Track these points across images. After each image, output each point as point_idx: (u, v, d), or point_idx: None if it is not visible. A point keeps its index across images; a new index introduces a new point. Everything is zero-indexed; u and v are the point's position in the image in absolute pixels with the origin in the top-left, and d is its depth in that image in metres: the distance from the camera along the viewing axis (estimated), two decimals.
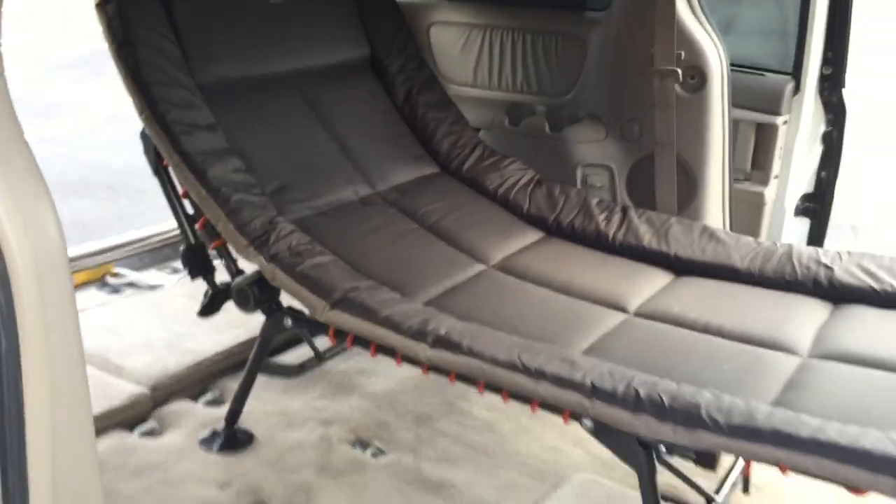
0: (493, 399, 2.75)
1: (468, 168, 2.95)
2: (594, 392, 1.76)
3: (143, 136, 2.31)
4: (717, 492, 2.05)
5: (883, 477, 1.48)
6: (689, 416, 1.66)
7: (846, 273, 2.37)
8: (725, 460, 2.21)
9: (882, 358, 2.00)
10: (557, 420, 2.64)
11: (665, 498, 2.33)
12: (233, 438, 2.47)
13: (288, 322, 2.26)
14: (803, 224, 3.23)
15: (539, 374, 1.82)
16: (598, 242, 2.70)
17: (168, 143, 2.20)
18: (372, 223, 2.52)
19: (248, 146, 2.43)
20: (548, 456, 2.51)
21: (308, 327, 2.24)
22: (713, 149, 2.88)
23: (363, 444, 2.54)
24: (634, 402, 1.71)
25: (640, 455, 1.77)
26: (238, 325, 2.92)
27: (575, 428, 2.54)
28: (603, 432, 1.80)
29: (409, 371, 2.89)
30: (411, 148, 2.95)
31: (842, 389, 1.89)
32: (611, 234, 2.69)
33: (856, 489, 1.55)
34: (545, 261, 2.59)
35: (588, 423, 1.81)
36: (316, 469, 2.39)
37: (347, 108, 2.83)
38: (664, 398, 1.70)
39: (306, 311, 2.20)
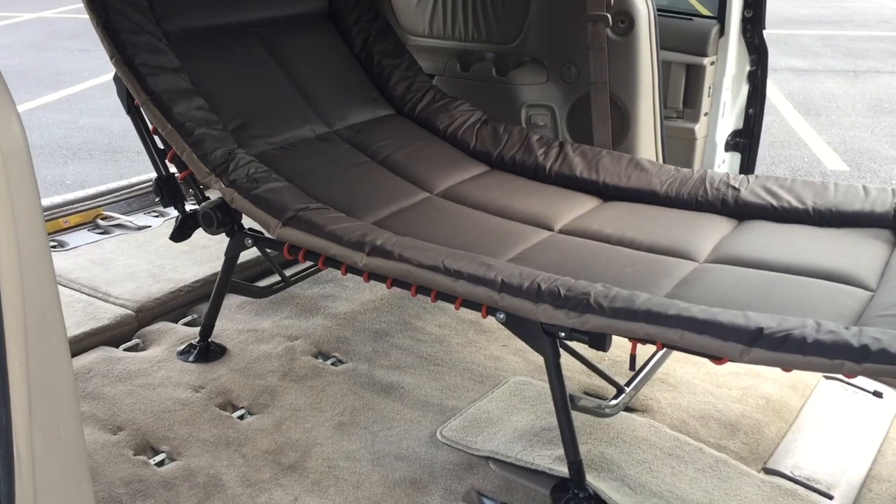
0: (445, 318, 3.09)
1: (420, 110, 3.22)
2: (503, 287, 2.05)
3: (116, 79, 2.59)
4: (628, 384, 2.34)
5: (732, 344, 1.77)
6: (579, 303, 1.95)
7: (750, 193, 2.65)
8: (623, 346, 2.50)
9: (762, 259, 2.29)
10: (501, 334, 2.97)
11: (587, 392, 2.65)
12: (206, 350, 2.77)
13: (248, 241, 2.55)
14: (735, 158, 3.50)
15: (458, 274, 2.10)
16: (536, 173, 2.98)
17: (137, 84, 2.47)
18: (326, 156, 2.80)
19: (211, 88, 2.70)
20: (490, 364, 2.81)
21: (266, 246, 2.53)
22: (643, 88, 3.14)
23: (324, 355, 2.84)
24: (535, 294, 2.00)
25: (544, 340, 2.07)
26: (215, 259, 3.23)
27: (516, 341, 2.86)
28: (513, 323, 2.10)
29: (370, 294, 3.21)
30: (367, 91, 3.22)
31: (722, 284, 2.18)
32: (548, 165, 2.97)
33: (716, 358, 1.84)
34: (486, 189, 2.87)
35: (501, 315, 2.10)
36: (280, 375, 2.69)
37: (306, 55, 3.10)
38: (560, 289, 1.99)
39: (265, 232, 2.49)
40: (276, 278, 3.01)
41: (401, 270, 2.19)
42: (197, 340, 2.79)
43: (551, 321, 1.99)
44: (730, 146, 3.45)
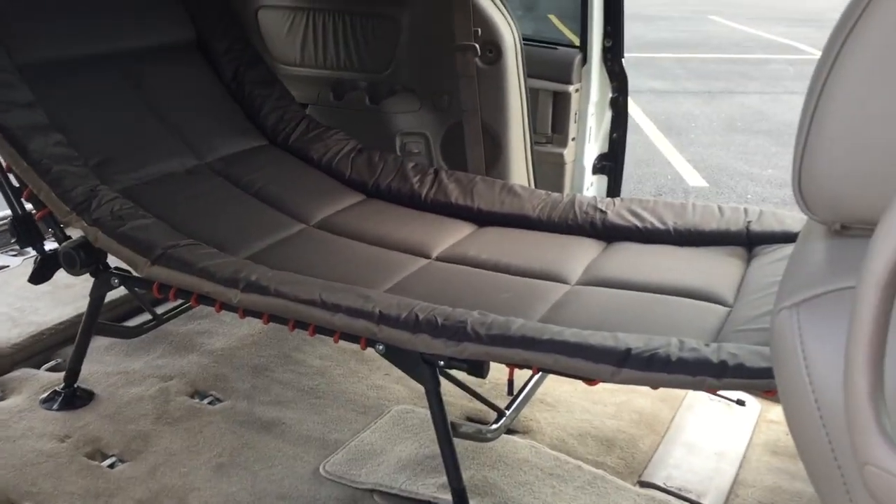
0: (326, 349, 3.05)
1: (294, 139, 3.19)
2: (381, 318, 2.05)
3: None
4: (508, 408, 2.38)
5: (603, 366, 1.83)
6: (456, 332, 1.97)
7: (616, 215, 2.76)
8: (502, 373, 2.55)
9: (630, 280, 2.39)
10: (382, 363, 2.96)
11: (469, 417, 2.68)
12: (72, 396, 2.64)
13: (115, 281, 2.45)
14: (602, 181, 3.64)
15: (335, 308, 2.09)
16: (413, 201, 3.00)
17: None
18: (196, 189, 2.73)
19: (70, 122, 2.59)
20: (372, 393, 2.80)
21: (135, 285, 2.43)
22: (513, 114, 3.23)
23: (200, 394, 2.76)
24: (414, 324, 2.01)
25: (423, 369, 2.08)
26: (80, 298, 3.08)
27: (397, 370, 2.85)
28: (392, 354, 2.10)
29: (248, 328, 3.14)
30: (239, 122, 3.16)
31: (593, 306, 2.25)
32: (423, 193, 3.00)
33: (588, 379, 1.90)
34: (362, 219, 2.87)
35: (380, 347, 2.10)
36: (153, 418, 2.59)
37: (174, 87, 3.02)
38: (438, 319, 2.01)
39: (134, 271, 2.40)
40: (146, 316, 2.91)
41: (277, 306, 2.15)
42: (62, 386, 2.65)
43: (430, 350, 2.01)
44: (597, 169, 3.58)
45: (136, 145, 2.74)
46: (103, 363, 2.89)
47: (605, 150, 3.57)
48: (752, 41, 14.35)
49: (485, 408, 2.51)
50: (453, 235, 2.80)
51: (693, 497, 2.35)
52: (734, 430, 2.68)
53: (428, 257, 2.64)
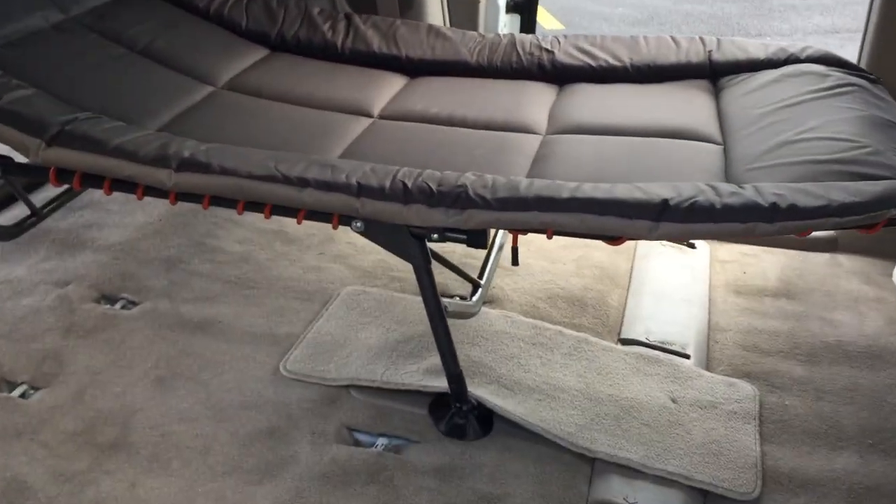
0: (243, 231, 2.66)
1: None
2: (361, 190, 1.71)
3: None
4: (481, 275, 2.14)
5: (640, 221, 1.60)
6: (458, 198, 1.67)
7: (565, 55, 2.49)
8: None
9: (605, 124, 2.16)
10: (312, 241, 2.62)
11: None
12: None
13: None
14: (515, 20, 3.33)
15: (302, 182, 1.72)
16: (327, 53, 2.59)
17: None
18: (72, 49, 2.18)
19: None
20: (311, 276, 2.47)
21: (21, 172, 1.93)
22: None
23: (109, 298, 2.33)
24: (403, 194, 1.69)
25: (412, 245, 1.78)
26: None
27: (332, 246, 2.52)
28: (374, 230, 1.78)
29: (143, 216, 2.68)
30: None
31: (581, 156, 2.01)
32: (339, 42, 2.58)
33: (613, 239, 1.68)
34: (277, 76, 2.44)
35: (358, 224, 1.77)
36: (61, 332, 2.16)
37: None
38: (431, 185, 1.70)
39: (14, 155, 1.89)
40: (18, 212, 2.39)
41: (226, 185, 1.76)
42: None
43: (427, 223, 1.70)
44: (510, 8, 3.26)
45: None
46: None
47: None
48: None
49: (444, 280, 2.27)
50: (387, 89, 2.43)
51: (678, 349, 2.25)
52: (692, 275, 2.59)
53: (370, 116, 2.28)
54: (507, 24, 3.29)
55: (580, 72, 2.46)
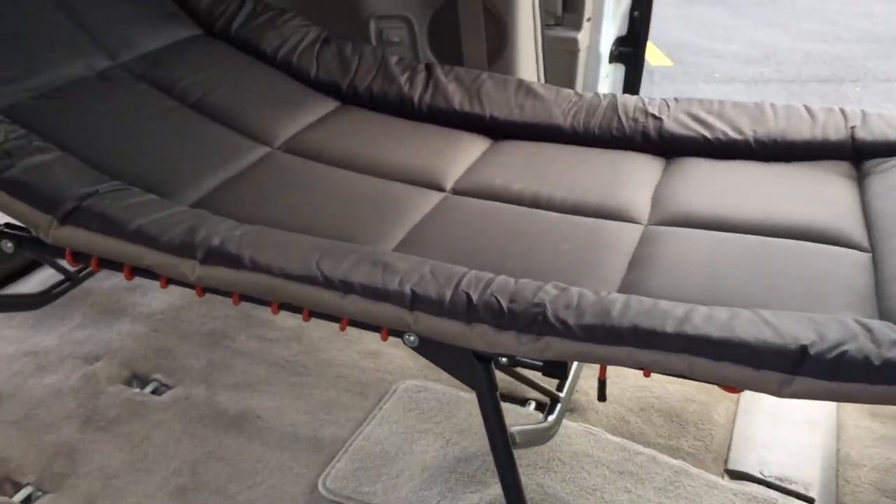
0: None
1: (238, 27, 2.40)
2: (415, 302, 1.40)
3: None
4: (560, 388, 1.80)
5: (768, 373, 1.23)
6: (533, 321, 1.34)
7: (675, 122, 2.13)
8: None
9: (723, 216, 1.79)
10: None
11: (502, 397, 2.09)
12: None
13: (8, 246, 1.71)
14: (618, 71, 2.98)
15: (346, 287, 1.42)
16: (402, 108, 2.30)
17: None
18: (115, 103, 1.95)
19: None
20: (367, 363, 2.17)
21: (39, 249, 1.69)
22: None
23: (140, 379, 2.08)
24: (466, 310, 1.37)
25: (475, 369, 1.45)
26: None
27: None
28: (430, 349, 1.46)
29: None
30: (161, 5, 2.35)
31: (691, 260, 1.64)
32: (416, 97, 2.29)
33: (730, 387, 1.31)
34: (342, 135, 2.16)
35: (411, 338, 1.45)
36: (80, 422, 1.91)
37: None
38: (501, 301, 1.37)
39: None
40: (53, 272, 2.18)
41: (256, 284, 1.47)
42: None
43: (493, 348, 1.38)
44: (614, 57, 2.91)
45: (25, 42, 1.94)
46: (2, 339, 2.17)
47: (624, 32, 2.90)
48: None
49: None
50: (465, 155, 2.12)
51: (799, 489, 1.84)
52: None
53: (442, 189, 1.97)
54: (609, 74, 2.94)
55: (692, 144, 2.10)
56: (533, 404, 2.03)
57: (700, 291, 1.50)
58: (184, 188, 1.79)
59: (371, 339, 2.25)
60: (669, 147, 2.11)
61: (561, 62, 2.79)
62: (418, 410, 1.99)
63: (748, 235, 1.72)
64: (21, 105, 1.81)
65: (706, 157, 2.07)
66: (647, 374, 1.36)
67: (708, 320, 1.30)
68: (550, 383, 1.78)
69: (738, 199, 1.85)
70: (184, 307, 2.32)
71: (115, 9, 2.19)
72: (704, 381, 1.31)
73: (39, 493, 1.74)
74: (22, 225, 1.67)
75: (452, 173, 2.02)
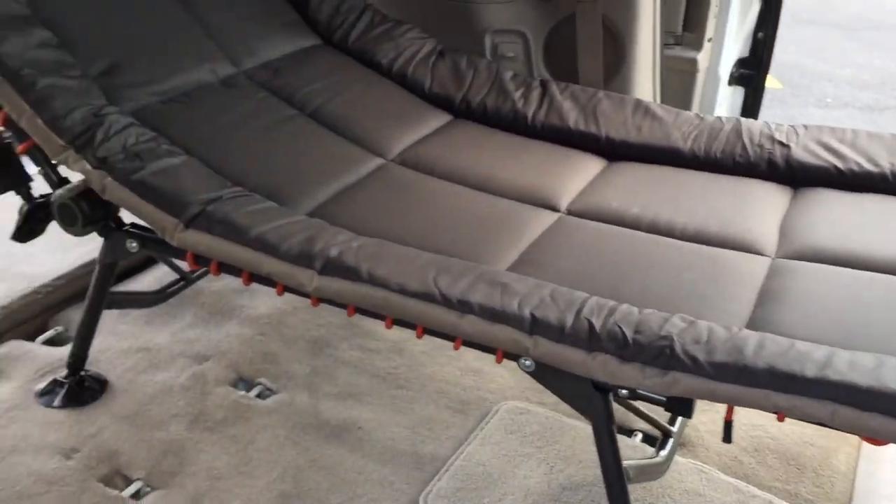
0: None
1: (355, 38, 2.42)
2: (535, 326, 1.36)
3: None
4: (672, 422, 1.74)
5: None
6: (660, 354, 1.28)
7: (805, 151, 2.03)
8: None
9: (859, 254, 1.68)
10: None
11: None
12: (79, 388, 1.99)
13: (132, 245, 1.75)
14: (737, 94, 2.87)
15: (464, 307, 1.40)
16: (516, 125, 2.26)
17: None
18: (238, 111, 1.99)
19: (65, 14, 1.83)
20: (469, 381, 2.14)
21: (161, 249, 1.73)
22: (643, 6, 2.44)
23: (246, 382, 2.10)
24: (588, 339, 1.33)
25: (595, 401, 1.40)
26: (88, 240, 2.37)
27: None
28: (547, 375, 1.42)
29: None
30: (283, 15, 2.38)
31: (826, 297, 1.55)
32: (530, 114, 2.25)
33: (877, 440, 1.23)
34: (456, 150, 2.14)
35: (528, 363, 1.41)
36: (189, 421, 1.94)
37: None
38: (625, 331, 1.32)
39: None
40: (167, 269, 2.23)
41: (373, 298, 1.46)
42: (64, 374, 1.99)
43: (616, 380, 1.33)
44: (734, 79, 2.81)
45: (155, 46, 1.99)
46: (117, 335, 2.22)
47: (746, 54, 2.79)
48: None
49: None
50: (580, 175, 2.07)
51: None
52: None
53: (556, 210, 1.93)
54: (727, 98, 2.84)
55: (823, 174, 1.99)
56: (640, 435, 1.96)
57: (836, 333, 1.41)
58: (301, 196, 1.80)
59: (473, 356, 2.22)
60: (798, 176, 2.01)
61: (678, 83, 2.71)
62: (521, 433, 1.95)
63: (886, 276, 1.62)
64: (150, 108, 1.86)
65: (838, 189, 1.97)
66: (780, 419, 1.28)
67: (852, 366, 1.22)
68: (662, 415, 1.71)
69: (875, 236, 1.74)
70: (288, 312, 2.34)
71: (240, 16, 2.23)
72: (846, 431, 1.22)
73: (148, 489, 1.77)
74: (146, 225, 1.71)
75: (567, 193, 1.98)
